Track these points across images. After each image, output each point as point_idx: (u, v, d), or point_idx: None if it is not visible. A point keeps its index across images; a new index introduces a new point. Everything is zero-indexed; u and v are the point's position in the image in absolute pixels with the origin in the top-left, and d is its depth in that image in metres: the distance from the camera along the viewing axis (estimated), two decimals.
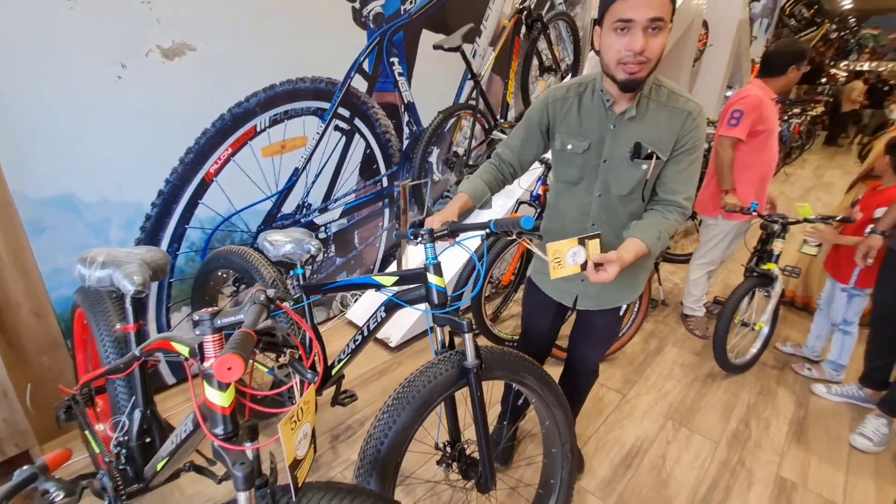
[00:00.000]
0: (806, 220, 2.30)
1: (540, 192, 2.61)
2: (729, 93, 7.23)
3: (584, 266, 1.10)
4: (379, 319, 1.43)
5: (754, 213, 2.35)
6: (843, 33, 13.27)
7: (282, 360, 0.86)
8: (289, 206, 2.40)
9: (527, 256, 2.76)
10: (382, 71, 2.57)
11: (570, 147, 1.26)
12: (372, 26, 2.44)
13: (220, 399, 0.83)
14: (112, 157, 1.76)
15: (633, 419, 2.11)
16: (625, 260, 1.11)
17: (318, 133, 2.39)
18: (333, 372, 1.60)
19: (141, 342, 1.27)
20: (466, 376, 1.18)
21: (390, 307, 1.40)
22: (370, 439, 1.14)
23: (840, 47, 13.74)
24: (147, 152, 1.84)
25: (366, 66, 2.48)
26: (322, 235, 2.61)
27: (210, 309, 0.81)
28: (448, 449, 1.32)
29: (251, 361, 0.85)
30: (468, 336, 1.18)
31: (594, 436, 2.00)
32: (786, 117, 7.54)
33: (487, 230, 1.16)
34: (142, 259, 1.31)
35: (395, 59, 2.61)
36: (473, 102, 2.73)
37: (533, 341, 1.65)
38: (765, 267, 2.40)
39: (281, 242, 1.56)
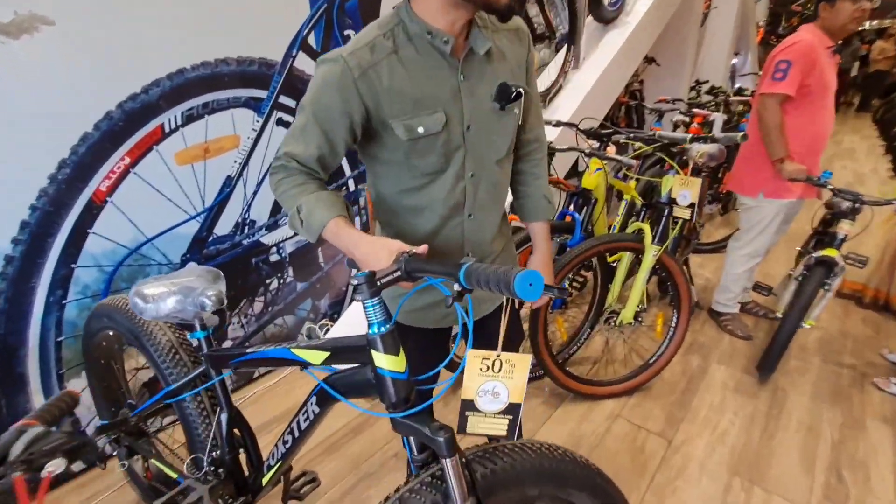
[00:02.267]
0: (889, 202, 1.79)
1: None
2: (736, 59, 6.69)
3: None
4: (311, 416, 0.92)
5: (826, 186, 1.84)
6: None
7: None
8: (224, 226, 1.88)
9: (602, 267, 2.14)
10: (335, 46, 2.03)
11: (421, 130, 0.86)
12: None
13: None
14: None
15: (689, 478, 1.59)
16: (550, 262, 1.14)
17: (254, 130, 1.86)
18: (264, 482, 1.08)
19: None
20: None
21: (323, 398, 0.88)
22: None
23: None
24: None
25: (312, 41, 1.95)
26: (275, 258, 2.09)
27: None
28: None
29: None
30: (449, 463, 0.67)
31: None
32: None
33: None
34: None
35: (351, 32, 2.07)
36: None
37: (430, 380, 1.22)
38: (824, 253, 1.90)
39: (159, 297, 1.02)
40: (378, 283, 0.69)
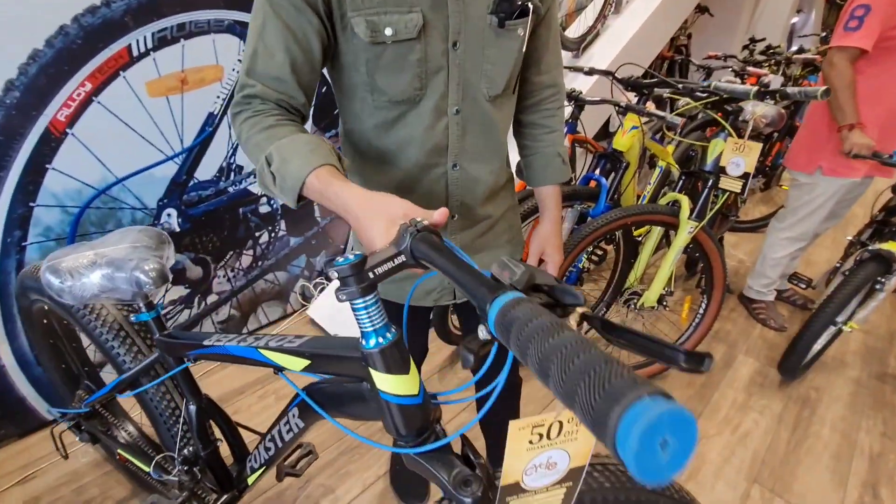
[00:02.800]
0: None
1: (567, 143, 1.83)
2: (796, 18, 6.02)
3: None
4: (295, 429, 0.74)
5: (892, 163, 1.54)
6: None
7: None
8: (207, 171, 1.69)
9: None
10: None
11: (389, 31, 0.65)
12: None
13: None
14: None
15: (702, 482, 1.43)
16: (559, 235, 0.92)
17: (239, 61, 1.62)
18: (250, 482, 0.94)
19: None
20: None
21: (305, 411, 0.71)
22: None
23: None
24: None
25: None
26: (265, 209, 1.91)
27: None
28: None
29: None
30: None
31: None
32: None
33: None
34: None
35: None
36: None
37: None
38: (884, 246, 1.62)
39: (79, 272, 0.80)
40: (371, 276, 0.47)
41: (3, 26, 1.19)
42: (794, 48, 4.45)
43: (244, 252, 1.91)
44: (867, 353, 2.03)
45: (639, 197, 2.06)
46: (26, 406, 1.52)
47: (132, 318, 0.89)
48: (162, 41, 1.45)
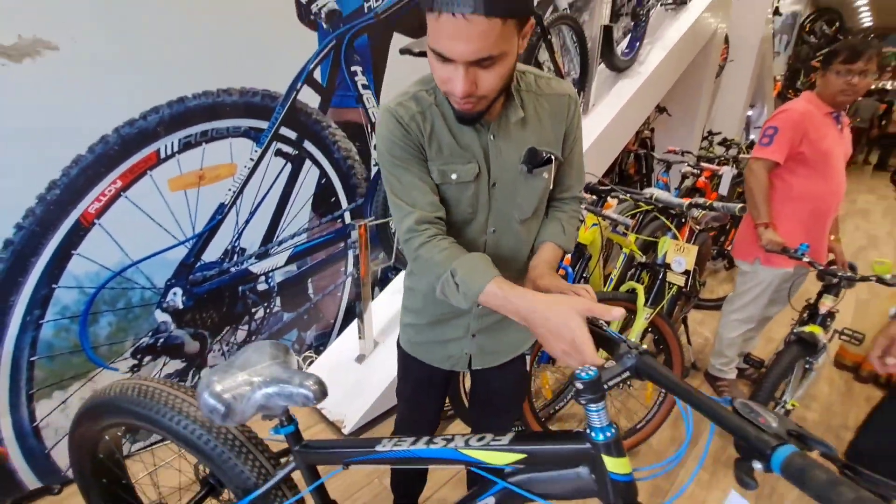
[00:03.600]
0: (881, 281, 1.68)
1: None
2: (751, 111, 6.70)
3: None
4: None
5: (803, 259, 1.74)
6: None
7: None
8: (213, 253, 1.87)
9: None
10: (341, 82, 2.06)
11: (454, 176, 0.91)
12: (325, 26, 1.94)
13: None
14: None
15: None
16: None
17: (251, 159, 1.87)
18: None
19: None
20: None
21: (508, 498, 0.78)
22: None
23: None
24: None
25: (318, 75, 1.97)
26: (263, 286, 2.07)
27: None
28: None
29: None
30: None
31: None
32: None
33: None
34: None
35: (358, 69, 2.10)
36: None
37: (420, 427, 1.27)
38: (806, 329, 1.79)
39: (243, 397, 0.83)
40: (605, 387, 0.66)
41: (53, 134, 1.41)
42: (751, 138, 4.96)
43: (240, 327, 2.04)
44: (824, 419, 2.16)
45: (608, 276, 2.27)
46: (16, 478, 1.56)
47: (270, 432, 0.91)
48: (186, 145, 1.68)
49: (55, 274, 1.50)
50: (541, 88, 0.95)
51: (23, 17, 1.29)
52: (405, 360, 1.19)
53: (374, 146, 2.18)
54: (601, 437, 0.67)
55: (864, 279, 1.71)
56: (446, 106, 0.88)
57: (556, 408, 1.99)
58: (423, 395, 1.23)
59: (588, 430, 0.68)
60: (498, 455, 0.74)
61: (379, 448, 0.82)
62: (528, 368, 1.26)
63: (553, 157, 0.95)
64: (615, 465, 0.67)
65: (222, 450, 0.92)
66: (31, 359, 1.53)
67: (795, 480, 0.50)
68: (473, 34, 0.70)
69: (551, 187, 1.02)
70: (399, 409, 1.31)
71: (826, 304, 1.80)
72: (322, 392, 0.83)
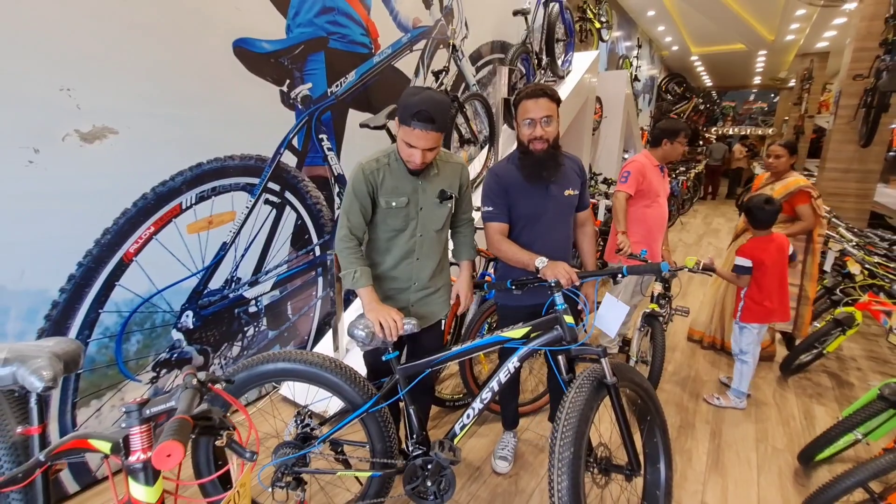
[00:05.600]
0: (691, 270, 2.61)
1: None
2: (626, 155, 8.25)
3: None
4: (510, 371, 1.61)
5: (641, 259, 2.62)
6: (708, 105, 15.82)
7: (218, 442, 0.85)
8: (216, 282, 2.34)
9: (462, 315, 2.86)
10: (312, 147, 2.69)
11: (394, 204, 1.61)
12: (300, 107, 2.58)
13: (147, 495, 0.80)
14: (16, 243, 1.66)
15: None
16: (471, 283, 1.89)
17: (247, 207, 2.40)
18: (456, 441, 1.65)
19: (44, 445, 1.16)
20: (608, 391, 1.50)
21: (522, 357, 1.60)
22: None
23: (709, 116, 16.30)
24: (59, 234, 1.75)
25: (295, 142, 2.59)
26: (253, 309, 2.54)
27: (138, 398, 0.79)
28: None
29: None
30: (605, 360, 1.49)
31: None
32: (674, 175, 8.66)
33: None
34: (51, 352, 1.22)
35: (324, 136, 2.75)
36: None
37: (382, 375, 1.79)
38: (648, 307, 2.66)
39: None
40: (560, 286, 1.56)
41: (109, 195, 1.88)
42: None
43: (235, 343, 2.48)
44: (675, 377, 3.02)
45: None
46: (60, 484, 1.87)
47: (383, 358, 1.60)
48: (200, 198, 2.19)
49: (102, 301, 1.91)
50: (448, 159, 1.72)
51: (94, 112, 1.79)
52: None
53: (338, 193, 2.85)
54: (561, 307, 1.52)
55: (678, 270, 2.62)
56: (394, 166, 1.60)
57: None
58: (378, 359, 1.72)
59: (556, 308, 1.53)
60: (518, 331, 1.58)
61: (450, 351, 1.58)
62: (442, 329, 1.90)
63: (453, 195, 1.69)
64: (568, 321, 1.53)
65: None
66: (78, 372, 1.89)
67: None
68: (429, 138, 1.48)
69: (454, 213, 1.77)
70: (369, 371, 1.88)
71: (656, 288, 2.69)
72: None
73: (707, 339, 3.48)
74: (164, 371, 2.18)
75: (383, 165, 1.60)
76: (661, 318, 2.62)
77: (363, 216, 1.61)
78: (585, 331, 1.75)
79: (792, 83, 13.96)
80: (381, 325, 1.52)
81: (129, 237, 1.96)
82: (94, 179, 1.83)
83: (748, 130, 17.32)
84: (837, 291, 3.17)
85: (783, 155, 3.00)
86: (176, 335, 2.21)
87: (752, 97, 19.48)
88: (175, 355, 2.21)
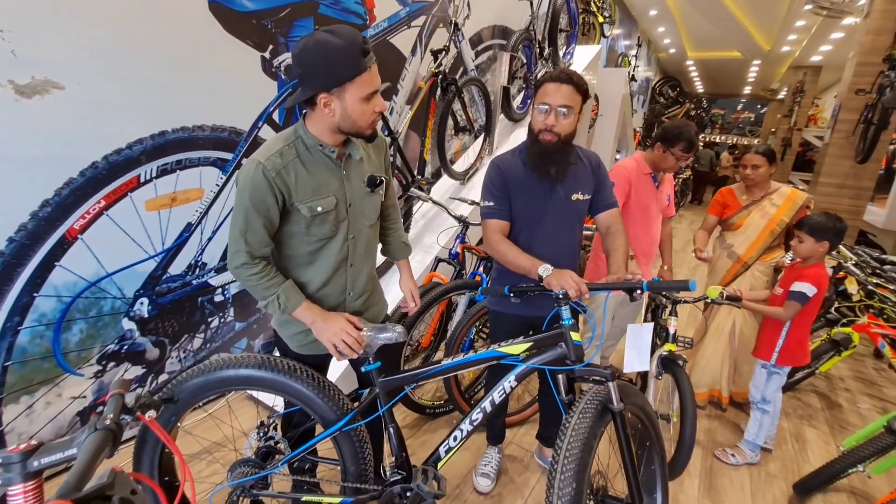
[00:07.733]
0: (713, 301, 2.12)
1: (458, 250, 2.58)
2: (618, 155, 8.14)
3: None
4: (507, 391, 1.41)
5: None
6: (699, 111, 15.87)
7: None
8: (178, 267, 2.08)
9: (446, 316, 2.67)
10: (294, 123, 2.43)
11: (320, 209, 1.24)
12: (283, 77, 2.32)
13: None
14: None
15: None
16: (415, 284, 1.64)
17: (217, 185, 2.14)
18: (439, 466, 1.45)
19: None
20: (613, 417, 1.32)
21: (521, 375, 1.40)
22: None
23: (699, 122, 16.38)
24: None
25: (276, 116, 2.33)
26: (219, 298, 2.29)
27: (22, 445, 0.57)
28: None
29: None
30: (613, 384, 1.30)
31: None
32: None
33: (639, 289, 1.37)
34: None
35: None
36: (392, 159, 2.68)
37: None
38: (666, 348, 2.04)
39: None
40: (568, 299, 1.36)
41: (50, 160, 1.61)
42: None
43: (196, 335, 2.24)
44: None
45: None
46: None
47: (362, 369, 1.38)
48: (163, 171, 1.93)
49: (38, 283, 1.65)
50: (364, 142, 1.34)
51: (35, 62, 1.51)
52: (302, 360, 1.41)
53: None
54: (568, 323, 1.33)
55: (700, 300, 2.18)
56: (306, 156, 1.21)
57: (477, 388, 2.48)
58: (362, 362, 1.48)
59: (561, 323, 1.36)
60: (517, 347, 1.39)
61: (440, 364, 1.38)
62: None
63: (383, 180, 1.36)
64: (575, 338, 1.36)
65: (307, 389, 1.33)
66: (5, 364, 1.63)
67: None
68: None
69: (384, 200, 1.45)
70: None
71: (670, 323, 2.08)
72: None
73: (701, 396, 2.74)
74: (111, 364, 1.93)
75: (291, 159, 1.18)
76: (681, 362, 2.00)
77: (268, 231, 1.22)
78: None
79: (782, 95, 14.07)
80: (335, 347, 1.28)
81: (73, 211, 1.69)
82: (33, 142, 1.56)
83: (734, 139, 17.51)
84: (832, 310, 3.09)
85: (761, 164, 2.47)
86: (127, 325, 1.95)
87: (740, 106, 19.68)
88: (125, 347, 1.97)
